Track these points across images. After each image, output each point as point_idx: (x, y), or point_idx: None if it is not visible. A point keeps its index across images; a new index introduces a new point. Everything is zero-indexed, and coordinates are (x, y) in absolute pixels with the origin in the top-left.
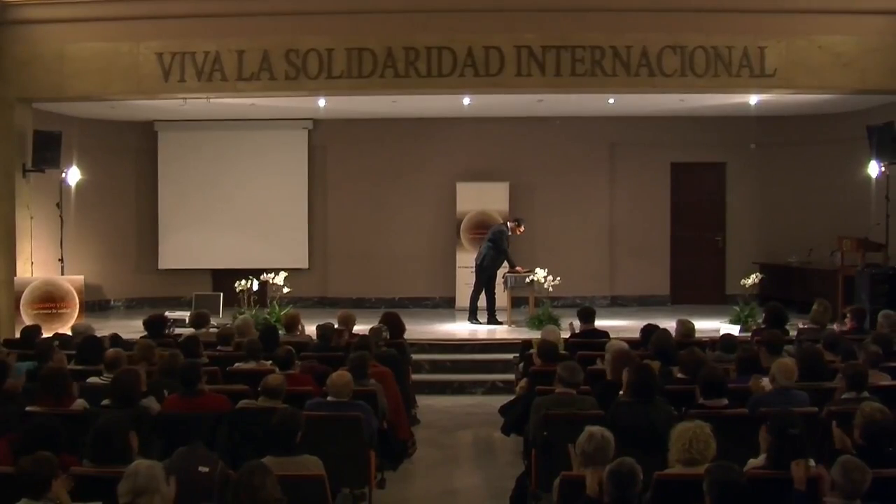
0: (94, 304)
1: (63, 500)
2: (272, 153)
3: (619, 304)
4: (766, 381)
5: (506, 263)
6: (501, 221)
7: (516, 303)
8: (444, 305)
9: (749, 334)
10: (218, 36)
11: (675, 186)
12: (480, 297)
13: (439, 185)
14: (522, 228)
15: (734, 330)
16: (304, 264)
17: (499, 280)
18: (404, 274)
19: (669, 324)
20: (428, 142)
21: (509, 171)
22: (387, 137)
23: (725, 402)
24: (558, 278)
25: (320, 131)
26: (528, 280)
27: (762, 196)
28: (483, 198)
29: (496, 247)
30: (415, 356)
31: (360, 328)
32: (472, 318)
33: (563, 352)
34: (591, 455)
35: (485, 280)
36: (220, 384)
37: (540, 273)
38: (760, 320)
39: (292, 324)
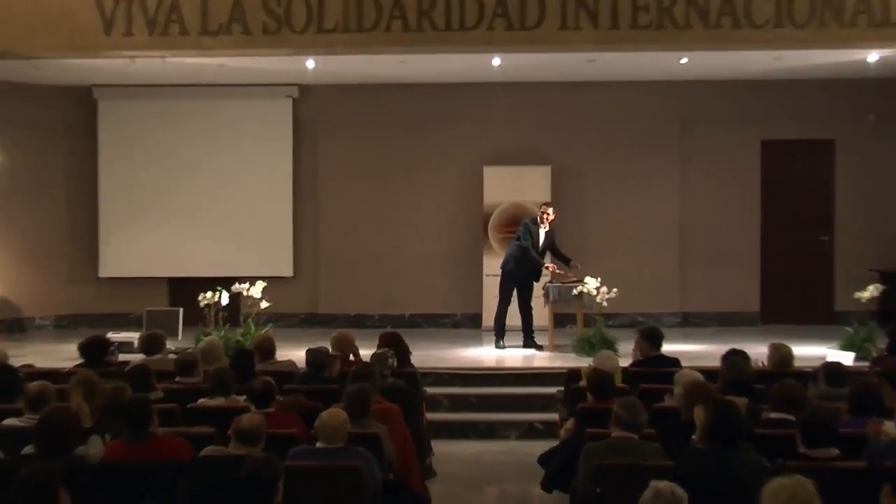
0: (11, 323)
1: None
2: (246, 130)
3: (692, 322)
4: (889, 426)
5: (546, 269)
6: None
7: (560, 321)
8: (468, 324)
9: (866, 364)
10: None
11: (766, 172)
12: (510, 313)
13: (461, 170)
14: (552, 214)
15: (846, 358)
16: (289, 271)
17: (538, 291)
18: (417, 284)
19: (759, 349)
20: (447, 115)
21: (551, 153)
22: (394, 110)
23: (835, 452)
24: (614, 290)
25: (309, 102)
26: (575, 292)
27: (882, 184)
28: (518, 186)
29: (518, 243)
30: (430, 389)
31: (361, 353)
32: (499, 340)
33: (621, 384)
34: None
35: (512, 290)
36: (180, 426)
37: (591, 283)
38: (882, 346)
39: (265, 349)
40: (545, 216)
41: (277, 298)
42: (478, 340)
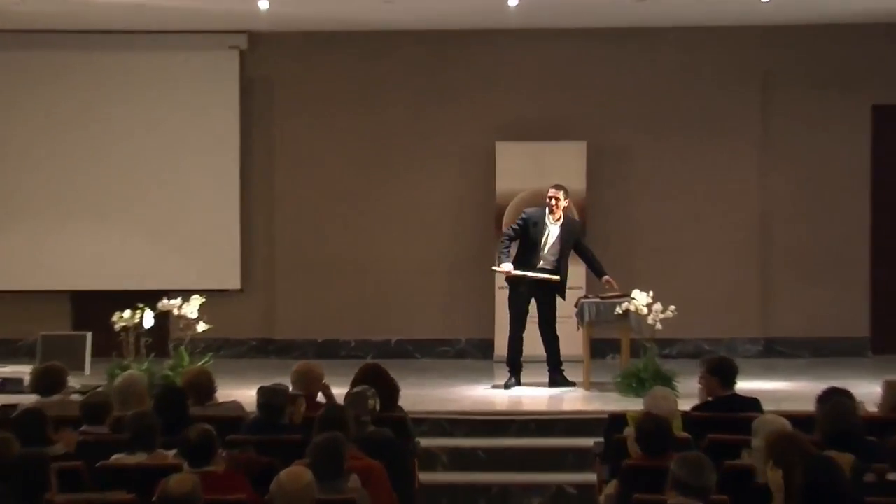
0: None
1: None
2: (178, 93)
3: (778, 352)
4: None
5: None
6: (568, 209)
7: (599, 349)
8: (476, 354)
9: None
10: None
11: (878, 149)
12: (531, 337)
13: (466, 148)
14: (563, 199)
15: None
16: (235, 283)
17: (569, 309)
18: (407, 300)
19: (870, 388)
20: (447, 74)
21: (587, 124)
22: (377, 65)
23: None
24: (672, 308)
25: (261, 55)
26: (619, 310)
27: None
28: (542, 168)
29: (517, 238)
30: (424, 441)
31: (333, 392)
32: (512, 377)
33: (681, 434)
34: None
35: (525, 305)
36: (87, 491)
37: (640, 298)
38: None
39: (202, 387)
40: (554, 204)
41: (220, 319)
42: (488, 375)
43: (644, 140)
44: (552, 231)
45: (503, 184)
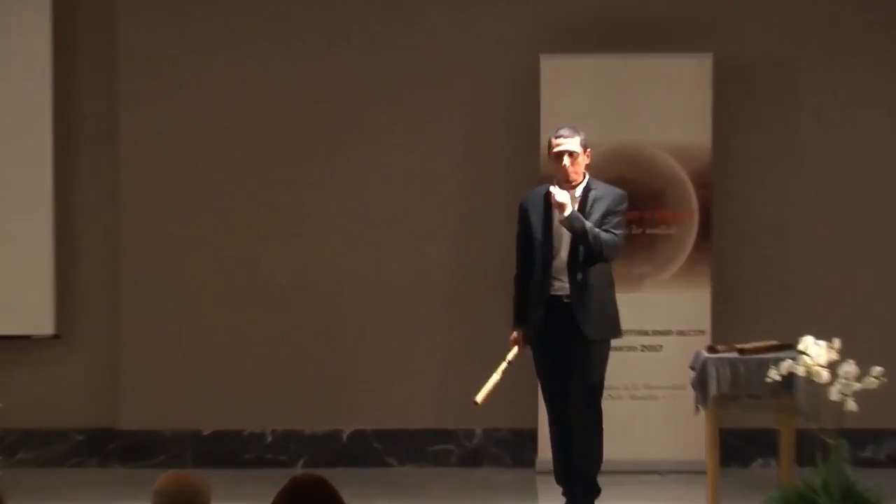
0: None
1: None
2: None
3: None
4: None
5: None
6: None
7: (735, 449)
8: (504, 457)
9: None
10: None
11: None
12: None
13: (488, 73)
14: (582, 152)
15: None
16: (46, 326)
17: (651, 369)
18: (373, 357)
19: None
20: None
21: (711, 28)
22: None
23: None
24: (876, 371)
25: None
26: (774, 374)
27: None
28: (630, 102)
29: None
30: None
31: None
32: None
33: None
34: None
35: (551, 377)
36: None
37: (814, 351)
38: None
39: None
40: (567, 165)
41: (19, 391)
42: (530, 498)
43: (816, 56)
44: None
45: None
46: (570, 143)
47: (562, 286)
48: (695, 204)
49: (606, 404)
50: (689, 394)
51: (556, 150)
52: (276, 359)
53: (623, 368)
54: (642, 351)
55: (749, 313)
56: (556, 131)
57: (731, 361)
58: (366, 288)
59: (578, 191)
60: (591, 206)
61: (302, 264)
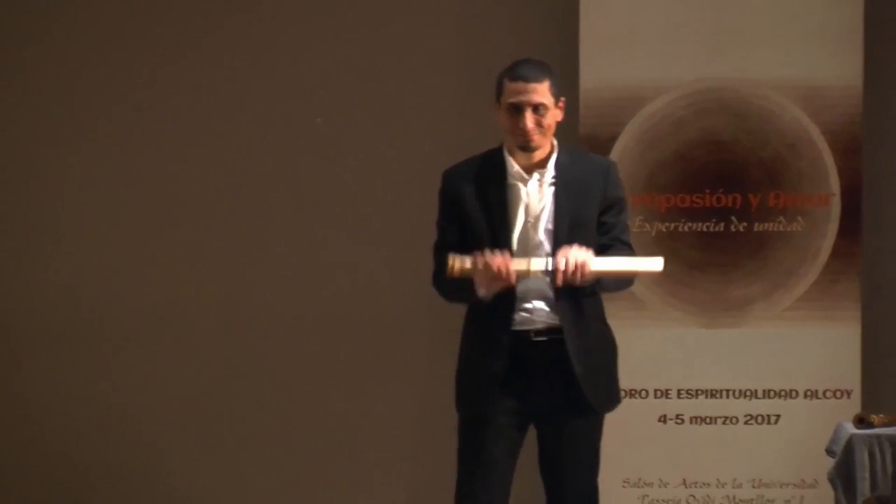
0: None
1: None
2: None
3: None
4: None
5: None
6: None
7: None
8: None
9: None
10: None
11: None
12: None
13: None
14: (550, 103)
15: None
16: None
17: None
18: (314, 434)
19: None
20: None
21: None
22: None
23: None
24: None
25: None
26: None
27: None
28: (728, 16)
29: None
30: None
31: None
32: None
33: None
34: None
35: (495, 447)
36: None
37: None
38: None
39: None
40: (526, 122)
41: None
42: None
43: None
44: (533, 198)
45: (590, 85)
46: (535, 88)
47: (533, 317)
48: (835, 182)
49: None
50: (826, 494)
51: (512, 99)
52: (130, 446)
53: (716, 452)
54: (748, 423)
55: None
56: (513, 68)
57: (894, 442)
58: (296, 320)
59: (549, 170)
60: (572, 197)
61: (192, 285)
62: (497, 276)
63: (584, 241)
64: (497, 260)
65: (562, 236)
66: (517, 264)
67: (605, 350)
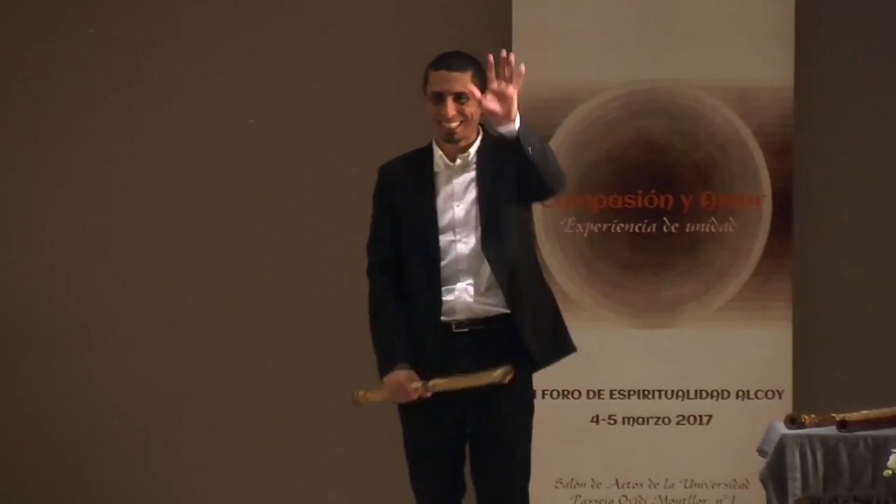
0: None
1: None
2: None
3: None
4: None
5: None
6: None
7: None
8: None
9: None
10: None
11: None
12: None
13: None
14: (464, 90)
15: None
16: None
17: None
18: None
19: None
20: None
21: None
22: None
23: None
24: None
25: None
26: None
27: None
28: (662, 17)
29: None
30: None
31: None
32: None
33: None
34: None
35: (434, 445)
36: None
37: None
38: None
39: None
40: (448, 112)
41: None
42: None
43: None
44: (456, 183)
45: (523, 85)
46: (457, 77)
47: (460, 306)
48: (767, 183)
49: None
50: (758, 494)
51: (435, 88)
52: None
53: (648, 452)
54: (680, 424)
55: (853, 362)
56: (437, 59)
57: (825, 442)
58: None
59: (471, 154)
60: (493, 178)
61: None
62: (404, 397)
63: (508, 220)
64: (401, 393)
65: (487, 217)
66: (455, 383)
67: (546, 315)
